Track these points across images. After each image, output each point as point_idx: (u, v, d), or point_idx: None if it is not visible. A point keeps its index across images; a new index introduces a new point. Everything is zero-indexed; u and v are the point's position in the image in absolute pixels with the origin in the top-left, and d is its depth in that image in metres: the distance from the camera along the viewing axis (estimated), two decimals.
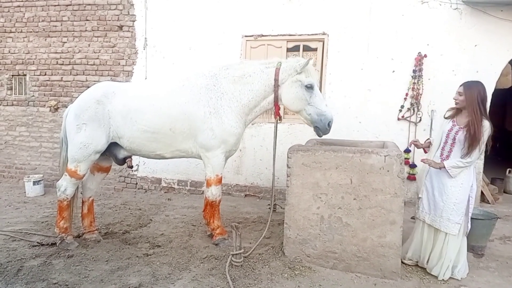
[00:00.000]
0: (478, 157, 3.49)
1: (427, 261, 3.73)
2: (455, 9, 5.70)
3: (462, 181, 3.52)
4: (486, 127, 3.41)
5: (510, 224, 5.36)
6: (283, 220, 3.97)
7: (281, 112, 6.33)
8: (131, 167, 4.56)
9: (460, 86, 3.61)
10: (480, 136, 3.39)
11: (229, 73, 4.13)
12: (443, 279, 3.57)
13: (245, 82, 4.07)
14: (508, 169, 7.04)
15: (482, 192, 5.97)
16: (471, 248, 4.25)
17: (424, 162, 3.71)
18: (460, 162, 3.45)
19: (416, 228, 3.88)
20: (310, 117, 3.93)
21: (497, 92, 5.83)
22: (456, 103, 3.60)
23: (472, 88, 3.50)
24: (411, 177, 5.92)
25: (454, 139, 3.55)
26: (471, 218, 4.24)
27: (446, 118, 3.72)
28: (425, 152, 3.99)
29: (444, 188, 3.56)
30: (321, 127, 3.91)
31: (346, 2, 6.08)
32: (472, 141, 3.40)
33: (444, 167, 3.51)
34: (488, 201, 6.06)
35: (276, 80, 3.98)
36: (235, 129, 4.08)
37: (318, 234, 3.76)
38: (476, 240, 4.23)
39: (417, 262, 3.85)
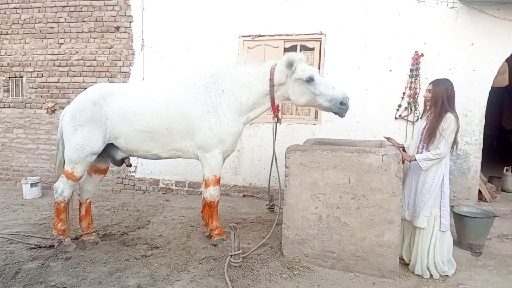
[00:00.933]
0: (447, 151, 3.54)
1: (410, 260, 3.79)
2: (451, 8, 5.70)
3: (433, 175, 3.60)
4: (451, 119, 3.49)
5: (508, 222, 5.38)
6: (282, 220, 3.97)
7: (279, 112, 6.43)
8: (130, 165, 4.55)
9: (429, 83, 3.76)
10: (438, 127, 3.49)
11: (229, 72, 4.19)
12: (441, 277, 3.59)
13: (245, 80, 4.12)
14: (505, 168, 7.06)
15: (479, 191, 5.98)
16: (469, 247, 4.28)
17: (393, 146, 3.84)
18: (430, 154, 3.53)
19: (401, 227, 3.89)
20: (323, 106, 3.95)
21: (494, 91, 5.83)
22: (427, 101, 3.72)
23: (440, 85, 3.64)
24: None
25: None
26: (469, 217, 4.27)
27: (420, 118, 3.81)
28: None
29: (418, 183, 3.67)
30: (338, 110, 3.91)
31: (343, 2, 6.08)
32: (430, 131, 3.53)
33: (415, 160, 3.59)
34: (485, 199, 6.07)
35: (271, 79, 4.03)
36: (232, 128, 4.08)
37: (317, 234, 3.76)
38: (474, 239, 4.25)
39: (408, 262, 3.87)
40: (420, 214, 3.63)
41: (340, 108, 3.86)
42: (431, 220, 3.62)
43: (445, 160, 3.61)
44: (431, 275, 3.61)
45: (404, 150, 3.96)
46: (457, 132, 3.55)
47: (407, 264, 3.83)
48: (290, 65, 3.91)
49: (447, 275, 3.63)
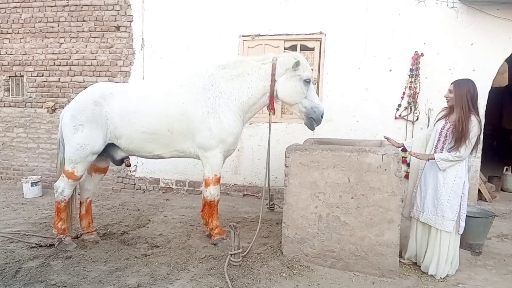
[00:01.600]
0: (468, 154, 3.49)
1: (422, 260, 3.75)
2: (451, 7, 5.71)
3: (454, 178, 3.53)
4: (474, 122, 3.43)
5: (508, 222, 5.39)
6: (281, 220, 3.98)
7: (279, 111, 6.46)
8: (129, 165, 4.55)
9: (451, 84, 3.65)
10: (468, 132, 3.41)
11: (226, 72, 4.17)
12: (440, 277, 3.60)
13: (243, 80, 4.13)
14: (505, 167, 7.06)
15: (479, 190, 5.99)
16: (468, 246, 4.28)
17: (411, 155, 3.77)
18: (449, 155, 3.47)
19: (411, 227, 3.90)
20: (306, 110, 4.06)
21: (494, 91, 5.84)
22: (448, 101, 3.65)
23: (462, 86, 3.54)
24: (408, 176, 5.93)
25: (446, 136, 3.60)
26: (469, 216, 4.28)
27: (439, 119, 3.74)
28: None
29: (438, 185, 3.59)
30: (316, 118, 4.07)
31: (343, 2, 6.09)
32: (459, 136, 3.44)
33: (433, 159, 3.54)
34: (485, 199, 6.08)
35: (273, 75, 4.06)
36: (233, 128, 4.09)
37: (316, 233, 3.77)
38: (473, 238, 4.25)
39: (415, 262, 3.87)
40: (444, 217, 3.55)
41: (319, 118, 4.07)
42: (456, 224, 3.58)
43: (465, 162, 3.56)
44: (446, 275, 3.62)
45: (404, 149, 3.96)
46: (479, 135, 3.50)
47: (414, 263, 3.84)
48: (297, 64, 3.98)
49: (447, 275, 3.65)
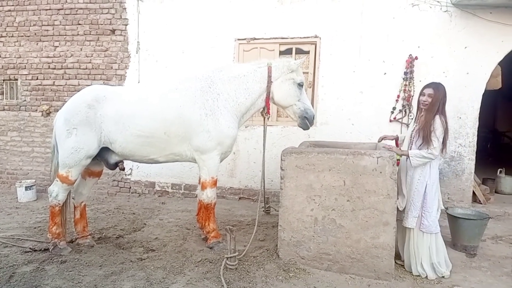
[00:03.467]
0: (439, 153, 3.59)
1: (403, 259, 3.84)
2: (445, 11, 5.76)
3: (418, 176, 3.67)
4: (438, 122, 3.56)
5: (502, 224, 5.42)
6: (277, 223, 3.98)
7: (275, 114, 6.47)
8: (123, 169, 4.53)
9: (427, 88, 3.73)
10: (431, 129, 3.55)
11: (224, 74, 4.23)
12: (436, 278, 3.62)
13: (241, 82, 4.19)
14: (499, 169, 7.12)
15: (474, 193, 6.03)
16: (463, 248, 4.30)
17: (385, 148, 3.83)
18: (423, 151, 3.58)
19: (397, 228, 3.92)
20: (300, 111, 4.22)
21: (487, 94, 5.89)
22: (425, 105, 3.69)
23: (440, 90, 3.68)
24: None
25: (414, 137, 3.75)
26: (463, 218, 4.31)
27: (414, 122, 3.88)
28: (397, 145, 4.17)
29: (405, 184, 3.75)
30: (309, 117, 4.23)
31: (338, 5, 6.13)
32: (425, 134, 3.57)
33: (407, 155, 3.65)
34: (480, 201, 6.11)
35: (269, 76, 4.17)
36: (231, 130, 4.11)
37: (312, 236, 3.78)
38: (468, 240, 4.28)
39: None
40: (409, 214, 3.70)
41: (312, 119, 4.26)
42: (418, 221, 3.68)
43: (432, 163, 3.66)
44: (426, 276, 3.64)
45: (397, 142, 4.05)
46: (445, 134, 3.60)
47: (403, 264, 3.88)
48: (292, 68, 4.16)
49: (443, 277, 3.66)
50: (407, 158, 3.72)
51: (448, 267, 3.76)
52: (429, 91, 3.68)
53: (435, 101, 3.61)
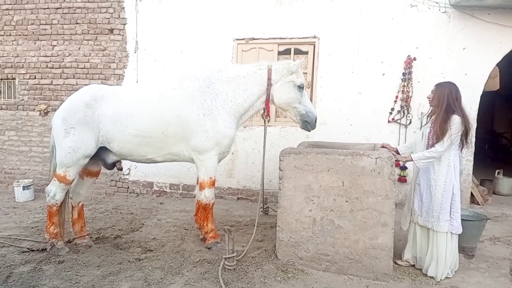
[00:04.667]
0: (444, 149, 3.54)
1: (424, 263, 3.78)
2: (443, 12, 5.77)
3: (444, 179, 3.62)
4: (455, 120, 3.51)
5: (500, 225, 5.44)
6: (276, 223, 3.97)
7: (273, 115, 6.46)
8: (121, 169, 4.52)
9: (434, 85, 3.79)
10: (445, 129, 3.51)
11: (223, 75, 4.21)
12: (435, 280, 3.63)
13: (239, 83, 4.17)
14: (497, 171, 7.13)
15: (472, 194, 6.03)
16: (461, 249, 4.30)
17: (387, 148, 3.88)
18: (426, 152, 3.58)
19: (410, 231, 3.93)
20: (300, 114, 4.18)
21: (486, 95, 5.90)
22: (429, 102, 3.76)
23: (444, 87, 3.68)
24: (402, 179, 5.98)
25: (430, 139, 3.70)
26: (462, 220, 4.30)
27: (425, 124, 3.88)
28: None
29: (431, 188, 3.67)
30: (310, 121, 4.19)
31: (337, 6, 6.13)
32: (437, 133, 3.54)
33: (411, 160, 3.64)
34: (478, 202, 6.12)
35: (269, 79, 4.14)
36: (229, 130, 4.10)
37: (311, 237, 3.77)
38: (466, 241, 4.28)
39: (413, 264, 3.90)
40: (440, 218, 3.61)
41: (314, 122, 4.19)
42: (449, 224, 3.63)
43: (454, 162, 3.62)
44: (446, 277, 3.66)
45: (397, 153, 4.00)
46: (463, 133, 3.56)
47: (412, 265, 3.87)
48: (292, 70, 4.12)
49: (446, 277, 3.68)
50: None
51: (456, 267, 3.81)
52: (432, 89, 3.73)
53: (438, 97, 3.62)
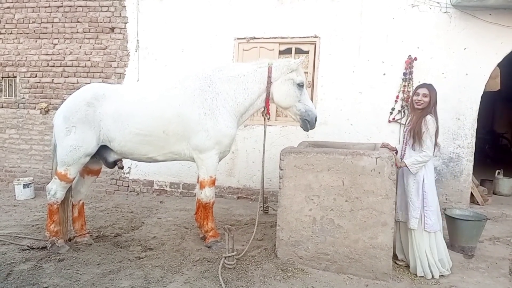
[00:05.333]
0: (433, 151, 3.65)
1: (409, 262, 3.84)
2: (444, 12, 5.76)
3: (413, 177, 3.72)
4: (431, 121, 3.62)
5: (500, 225, 5.44)
6: (276, 222, 3.98)
7: (274, 114, 6.46)
8: (122, 167, 4.53)
9: (421, 88, 3.79)
10: (420, 129, 3.62)
11: (224, 74, 4.22)
12: (433, 278, 3.63)
13: (240, 82, 4.17)
14: (497, 171, 7.13)
15: (472, 194, 6.04)
16: (461, 249, 4.31)
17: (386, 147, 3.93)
18: (418, 156, 3.64)
19: (396, 229, 3.94)
20: (300, 112, 4.16)
21: (486, 95, 5.90)
22: (421, 104, 3.74)
23: (433, 91, 3.76)
24: None
25: (405, 137, 3.84)
26: (461, 219, 4.32)
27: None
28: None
29: (406, 186, 3.78)
30: (310, 120, 4.16)
31: (337, 5, 6.13)
32: (415, 132, 3.66)
33: (406, 166, 3.68)
34: (477, 202, 6.12)
35: (269, 77, 4.13)
36: (230, 129, 4.11)
37: (311, 236, 3.78)
38: (466, 241, 4.29)
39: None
40: (410, 216, 3.72)
41: (313, 121, 4.17)
42: (421, 221, 3.70)
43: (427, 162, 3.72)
44: (432, 276, 3.67)
45: (397, 153, 4.02)
46: (436, 133, 3.67)
47: (408, 266, 3.88)
48: (292, 68, 4.10)
49: (442, 275, 3.69)
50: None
51: (450, 265, 3.81)
52: (423, 91, 3.74)
53: (431, 102, 3.69)
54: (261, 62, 4.28)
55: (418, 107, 3.73)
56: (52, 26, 7.20)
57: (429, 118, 3.64)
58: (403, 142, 3.87)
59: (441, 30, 5.80)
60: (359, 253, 3.65)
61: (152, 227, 5.10)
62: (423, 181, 3.69)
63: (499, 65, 5.78)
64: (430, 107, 3.69)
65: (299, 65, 4.16)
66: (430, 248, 3.70)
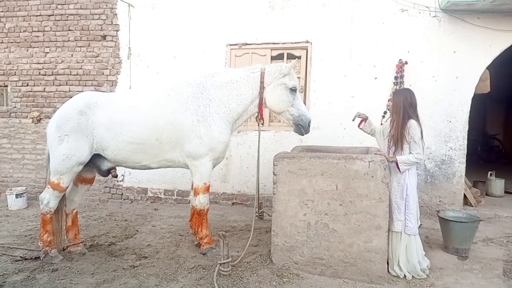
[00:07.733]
0: (423, 152, 3.73)
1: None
2: (434, 16, 5.84)
3: (398, 179, 3.77)
4: (414, 125, 3.67)
5: (493, 226, 5.48)
6: (271, 228, 3.98)
7: (267, 119, 6.49)
8: (116, 176, 4.51)
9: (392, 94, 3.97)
10: (403, 134, 3.68)
11: (216, 80, 4.22)
12: (428, 281, 3.66)
13: (233, 88, 4.18)
14: (489, 172, 7.19)
15: (465, 195, 6.08)
16: (455, 251, 4.34)
17: (377, 154, 3.83)
18: (411, 156, 3.67)
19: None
20: (293, 117, 4.16)
21: (477, 97, 5.97)
22: (388, 109, 3.93)
23: (399, 94, 3.87)
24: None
25: (389, 141, 3.90)
26: (455, 221, 4.35)
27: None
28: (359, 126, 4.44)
29: (390, 188, 3.78)
30: (304, 125, 4.16)
31: (328, 11, 6.18)
32: (396, 139, 3.72)
33: (396, 161, 3.69)
34: (471, 204, 6.16)
35: (262, 82, 4.14)
36: (223, 136, 4.11)
37: (305, 241, 3.78)
38: (460, 243, 4.31)
39: None
40: (394, 218, 3.75)
41: (307, 126, 4.17)
42: (403, 224, 3.74)
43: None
44: (404, 276, 3.72)
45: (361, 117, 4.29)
46: (421, 135, 3.73)
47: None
48: (284, 72, 4.11)
49: (424, 278, 3.72)
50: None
51: (428, 266, 3.86)
52: (389, 97, 3.86)
53: (396, 105, 3.77)
54: (253, 67, 4.30)
55: (389, 111, 3.89)
56: (43, 35, 7.18)
57: (412, 122, 3.68)
58: (388, 147, 3.92)
59: (431, 34, 5.87)
60: (354, 257, 3.65)
61: (146, 235, 5.07)
62: (407, 184, 3.74)
63: (488, 67, 5.85)
64: (398, 110, 3.74)
65: (291, 69, 4.16)
66: (406, 249, 3.75)
